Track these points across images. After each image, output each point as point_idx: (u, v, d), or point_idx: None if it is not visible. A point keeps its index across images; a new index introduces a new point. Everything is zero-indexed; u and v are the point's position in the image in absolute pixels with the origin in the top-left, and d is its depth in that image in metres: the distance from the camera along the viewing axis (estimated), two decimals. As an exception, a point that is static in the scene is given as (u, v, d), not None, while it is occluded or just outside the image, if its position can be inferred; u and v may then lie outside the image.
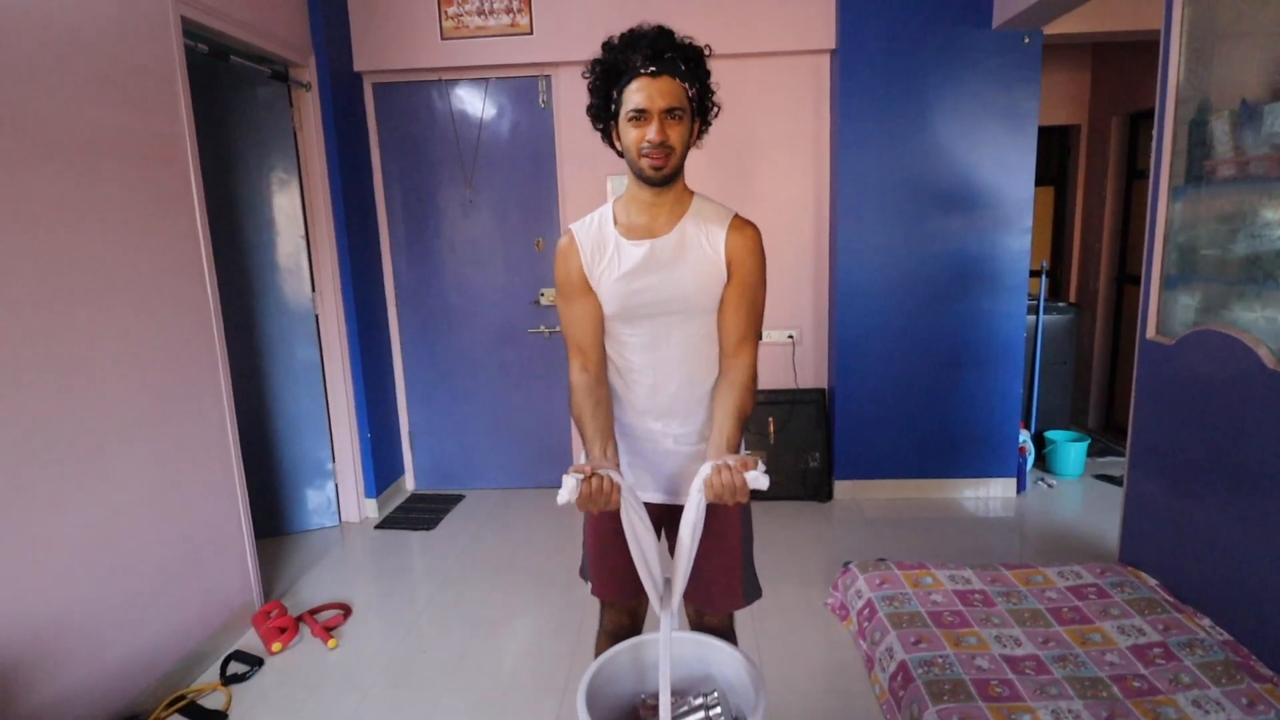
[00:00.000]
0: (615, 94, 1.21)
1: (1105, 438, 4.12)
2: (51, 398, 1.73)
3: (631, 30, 1.22)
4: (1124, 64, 3.94)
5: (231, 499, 2.37)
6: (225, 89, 2.82)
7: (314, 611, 2.47)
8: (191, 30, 2.30)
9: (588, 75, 1.26)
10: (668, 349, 1.32)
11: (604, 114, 1.26)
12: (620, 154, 1.27)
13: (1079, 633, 2.10)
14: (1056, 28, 3.06)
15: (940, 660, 1.95)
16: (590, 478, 1.13)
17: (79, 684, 1.77)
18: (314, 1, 2.95)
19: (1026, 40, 3.00)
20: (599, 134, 1.31)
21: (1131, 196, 4.09)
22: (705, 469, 1.16)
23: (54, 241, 1.75)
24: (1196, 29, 2.14)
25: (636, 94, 1.18)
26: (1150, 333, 2.35)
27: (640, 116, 1.19)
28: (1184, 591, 2.20)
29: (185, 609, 2.15)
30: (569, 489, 1.10)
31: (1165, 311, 2.32)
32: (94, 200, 1.86)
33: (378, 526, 3.27)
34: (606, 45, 1.23)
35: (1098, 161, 4.21)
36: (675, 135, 1.21)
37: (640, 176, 1.24)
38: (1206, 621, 2.05)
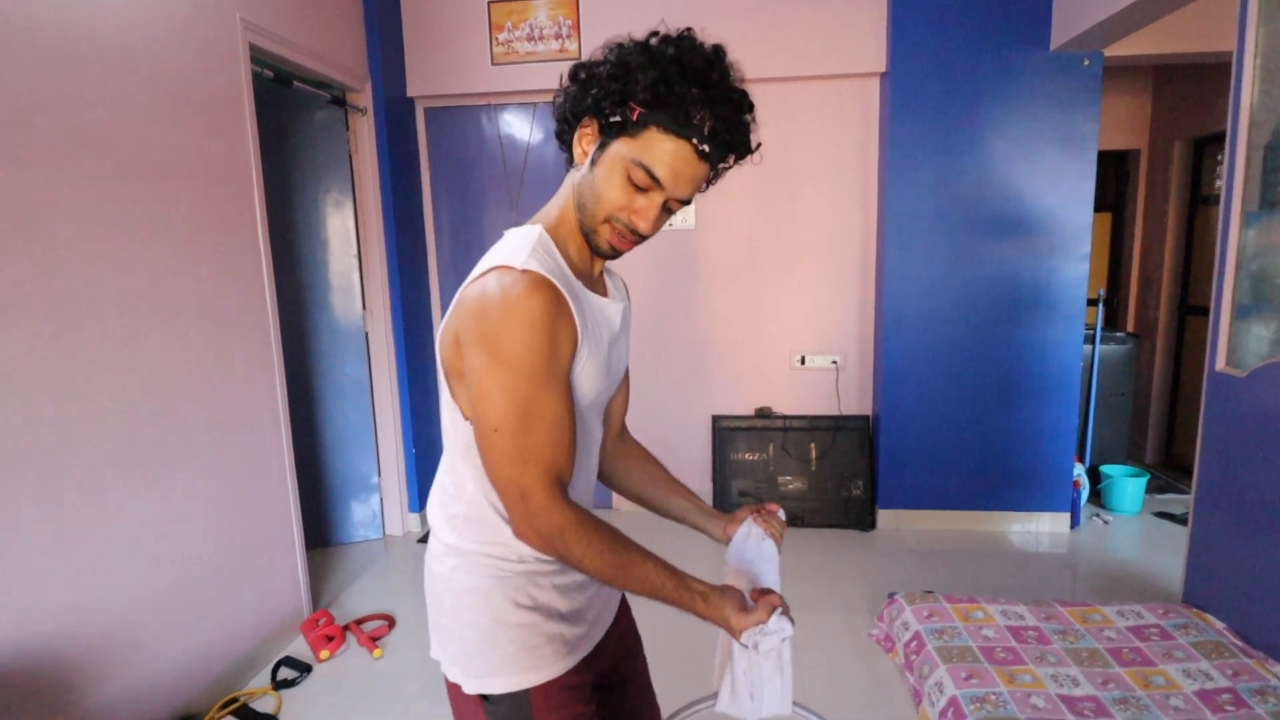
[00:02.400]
0: (632, 115, 0.84)
1: (1165, 473, 3.94)
2: (126, 407, 1.80)
3: (720, 66, 0.85)
4: (1188, 87, 3.82)
5: (285, 510, 2.43)
6: (287, 113, 2.93)
7: (360, 621, 2.51)
8: (258, 57, 2.40)
9: (606, 59, 0.88)
10: (589, 444, 0.98)
11: (594, 110, 0.87)
12: (568, 163, 0.94)
13: (1141, 675, 2.00)
14: (1118, 50, 2.99)
15: (993, 697, 1.88)
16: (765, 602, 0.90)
17: (138, 683, 1.83)
18: (371, 29, 3.05)
19: (1087, 63, 2.94)
20: (557, 123, 0.93)
21: (1194, 224, 3.95)
22: (746, 530, 1.11)
23: (132, 256, 1.84)
24: (1272, 49, 2.07)
25: (668, 160, 0.84)
26: (1220, 364, 2.25)
27: (647, 188, 0.86)
28: (1254, 636, 2.09)
29: (239, 614, 2.20)
30: (785, 631, 0.88)
31: (1236, 342, 2.22)
32: (166, 218, 1.95)
33: (420, 540, 3.31)
34: (675, 56, 0.84)
35: (1158, 187, 4.08)
36: (658, 228, 0.91)
37: (589, 238, 0.92)
38: (1279, 668, 1.93)
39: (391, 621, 2.54)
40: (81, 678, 1.67)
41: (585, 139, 0.89)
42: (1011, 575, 2.87)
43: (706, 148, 0.85)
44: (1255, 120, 2.14)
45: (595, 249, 0.93)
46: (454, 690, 0.97)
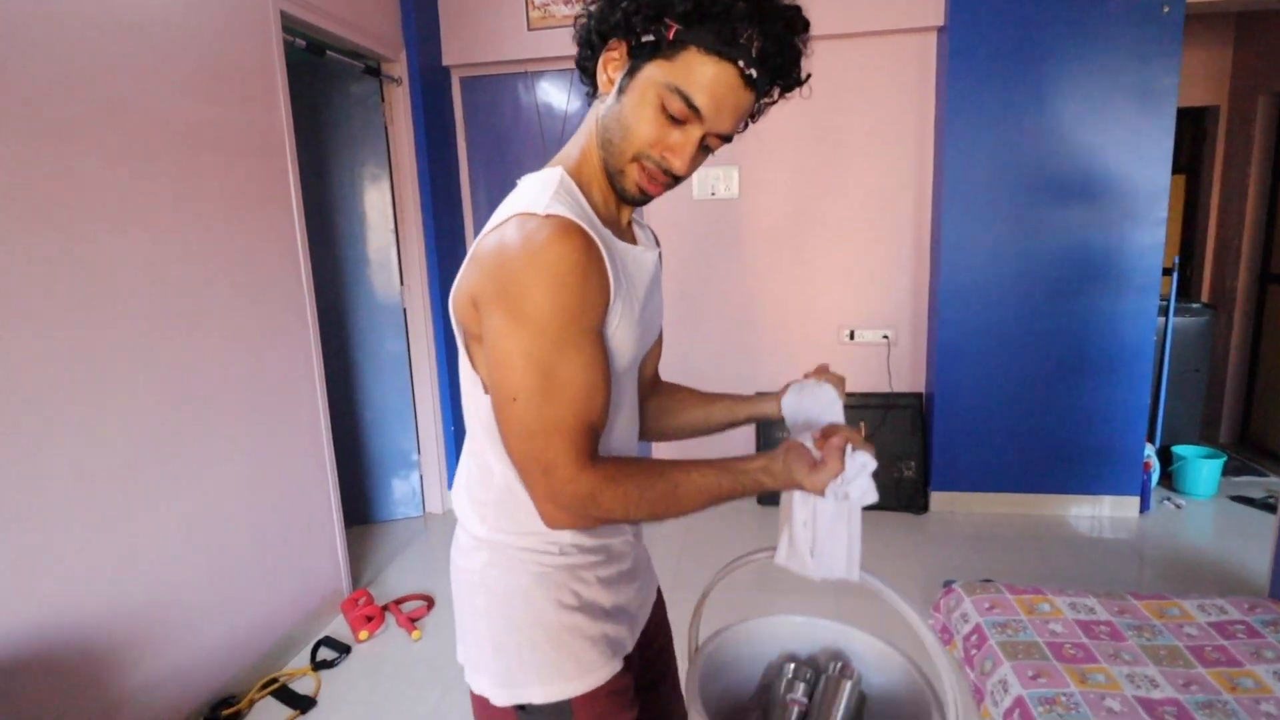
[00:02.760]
0: (668, 32, 0.72)
1: (1241, 454, 3.70)
2: (159, 386, 1.77)
3: None
4: (1275, 37, 3.50)
5: (324, 488, 2.41)
6: (320, 84, 2.87)
7: (399, 601, 2.49)
8: (290, 26, 2.34)
9: None
10: (627, 410, 0.88)
11: (623, 29, 0.75)
12: (591, 94, 0.83)
13: (1227, 676, 1.85)
14: (1203, -5, 2.74)
15: (1064, 699, 1.76)
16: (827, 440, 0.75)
17: (178, 664, 1.82)
18: (406, -4, 2.97)
19: (1166, 9, 2.69)
20: (579, 47, 0.82)
21: (1278, 186, 3.65)
22: (797, 388, 0.95)
23: (162, 233, 1.79)
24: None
25: (709, 86, 0.73)
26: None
27: (684, 119, 0.74)
28: (1355, 637, 1.91)
29: (279, 594, 2.20)
30: (868, 465, 0.73)
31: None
32: (195, 194, 1.91)
33: (459, 519, 3.28)
34: None
35: (1239, 147, 3.77)
36: (695, 168, 0.81)
37: (614, 180, 0.81)
38: (1383, 672, 1.77)
39: (431, 602, 2.52)
40: (120, 659, 1.67)
41: (611, 64, 0.78)
42: (1077, 563, 2.71)
43: (754, 72, 0.73)
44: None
45: (621, 192, 0.81)
46: (480, 704, 0.87)
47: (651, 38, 0.73)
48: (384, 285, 3.11)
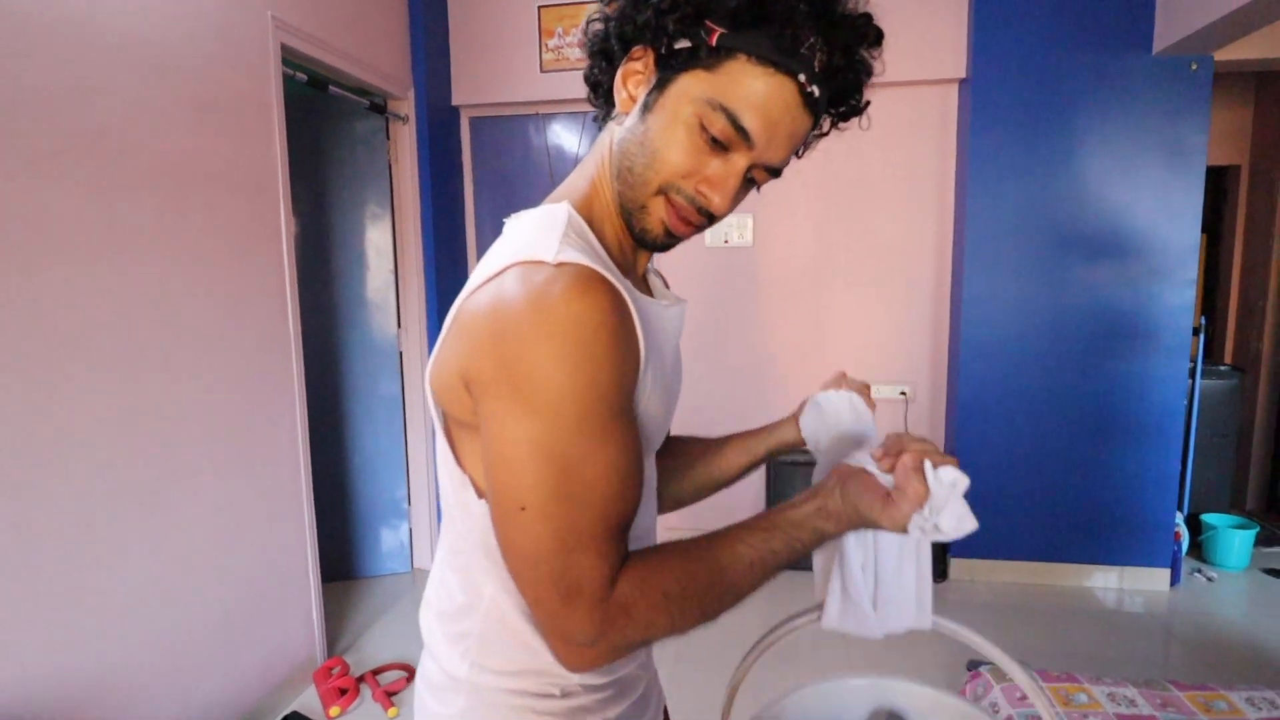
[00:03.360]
0: (709, 38, 0.58)
1: (1271, 524, 3.53)
2: (120, 436, 1.63)
3: None
4: (1297, 97, 3.45)
5: (301, 543, 2.25)
6: (323, 120, 2.80)
7: (376, 672, 2.30)
8: (291, 59, 2.26)
9: None
10: (648, 495, 0.73)
11: (652, 34, 0.60)
12: (604, 116, 0.69)
13: (1288, 786, 1.66)
14: (1228, 54, 2.67)
15: (1110, 814, 1.57)
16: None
17: (127, 750, 1.64)
18: (416, 33, 2.91)
19: (1194, 67, 2.63)
20: (592, 58, 0.68)
21: (1304, 246, 3.56)
22: (815, 404, 0.81)
23: (135, 271, 1.67)
24: None
25: (762, 104, 0.59)
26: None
27: (727, 144, 0.60)
28: None
29: (245, 664, 2.01)
30: (959, 482, 0.56)
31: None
32: (179, 228, 1.79)
33: (448, 576, 3.10)
34: None
35: (1261, 207, 3.70)
36: (734, 207, 0.66)
37: (632, 219, 0.65)
38: None
39: (411, 673, 2.33)
40: (65, 741, 1.49)
41: (633, 78, 0.63)
42: (1106, 641, 2.54)
43: (816, 90, 0.59)
44: None
45: (641, 234, 0.65)
46: None
47: (688, 43, 0.59)
48: (381, 326, 2.99)
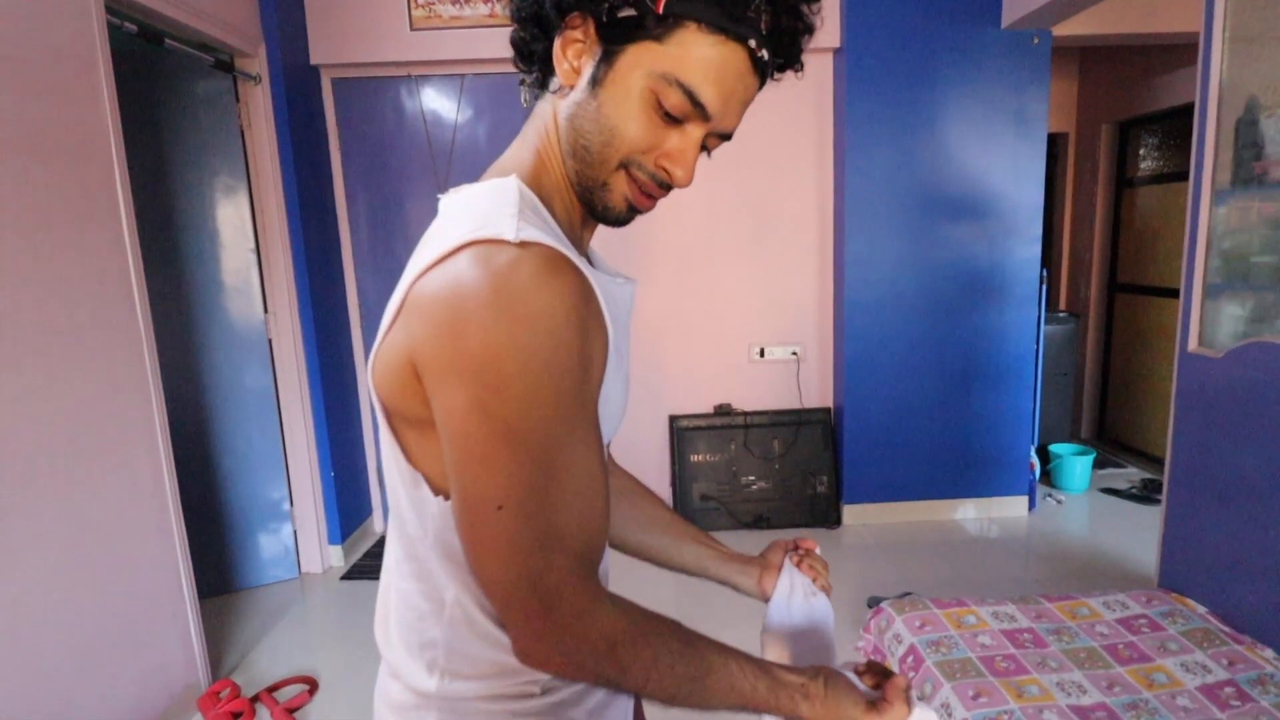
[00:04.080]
0: (656, 5, 0.55)
1: (1103, 449, 4.03)
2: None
3: None
4: (1113, 71, 3.88)
5: (170, 559, 2.00)
6: (160, 79, 2.45)
7: (272, 689, 2.10)
8: (116, 7, 1.95)
9: None
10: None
11: (590, 2, 0.57)
12: (537, 87, 0.65)
13: (1142, 673, 1.91)
14: (1065, 29, 2.94)
15: (1006, 717, 1.73)
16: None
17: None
18: (264, -16, 2.60)
19: (1036, 41, 2.87)
20: (521, 24, 0.63)
21: (1120, 205, 4.04)
22: (788, 583, 0.84)
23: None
24: (1240, 21, 2.01)
25: (715, 73, 0.57)
26: (1192, 345, 2.20)
27: (683, 117, 0.59)
28: (1236, 619, 2.06)
29: (115, 698, 1.77)
30: None
31: (1209, 323, 2.18)
32: (-7, 205, 1.50)
33: (344, 577, 2.89)
34: None
35: (1087, 169, 4.15)
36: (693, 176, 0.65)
37: (591, 195, 0.63)
38: (1269, 653, 1.90)
39: (313, 685, 2.15)
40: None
41: (574, 48, 0.59)
42: (983, 566, 2.80)
43: (765, 53, 0.58)
44: (1225, 95, 2.08)
45: (603, 209, 0.63)
46: None
47: (633, 12, 0.56)
48: (244, 313, 2.70)
